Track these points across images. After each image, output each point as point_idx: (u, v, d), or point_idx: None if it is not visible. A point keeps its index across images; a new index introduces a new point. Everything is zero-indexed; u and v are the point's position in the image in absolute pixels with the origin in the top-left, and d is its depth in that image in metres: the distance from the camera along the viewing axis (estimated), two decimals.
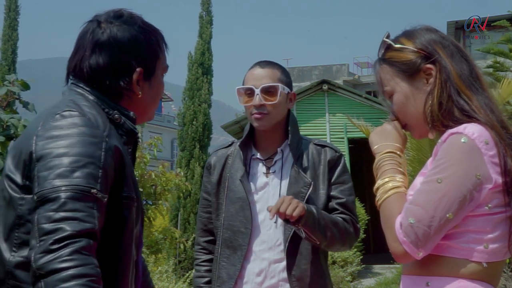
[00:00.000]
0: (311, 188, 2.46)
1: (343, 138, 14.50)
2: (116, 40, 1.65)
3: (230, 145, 2.63)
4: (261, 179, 2.51)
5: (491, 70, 9.40)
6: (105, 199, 1.45)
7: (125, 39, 1.66)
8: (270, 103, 2.45)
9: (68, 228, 1.34)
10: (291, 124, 2.54)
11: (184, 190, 8.38)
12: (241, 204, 2.47)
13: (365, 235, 12.00)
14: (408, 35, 1.75)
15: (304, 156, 2.51)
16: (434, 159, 1.60)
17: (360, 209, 12.01)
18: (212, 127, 14.79)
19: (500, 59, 9.46)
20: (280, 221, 2.43)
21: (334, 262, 10.53)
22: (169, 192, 7.59)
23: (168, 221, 12.86)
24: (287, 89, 2.51)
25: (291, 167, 2.49)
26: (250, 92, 2.48)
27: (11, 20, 22.00)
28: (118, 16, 1.70)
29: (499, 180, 1.55)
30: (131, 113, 1.67)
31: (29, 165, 1.48)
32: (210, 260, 2.58)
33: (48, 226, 1.35)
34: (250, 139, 2.57)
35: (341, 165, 2.56)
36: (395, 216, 1.60)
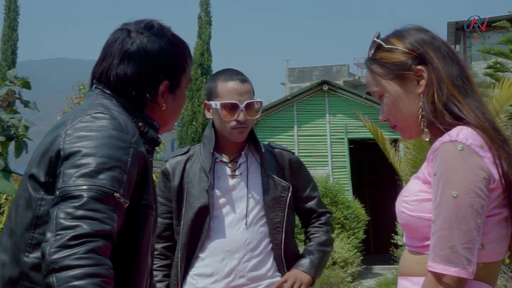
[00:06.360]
0: (290, 192, 2.57)
1: (343, 138, 14.48)
2: (146, 51, 1.65)
3: (186, 152, 2.65)
4: (227, 181, 2.55)
5: (491, 70, 9.40)
6: (126, 204, 1.45)
7: (154, 51, 1.66)
8: (252, 118, 2.55)
9: (87, 226, 1.34)
10: (252, 129, 2.63)
11: None
12: (200, 209, 2.50)
13: (365, 236, 11.96)
14: (398, 35, 1.73)
15: (270, 160, 2.61)
16: (431, 169, 1.58)
17: (360, 209, 11.98)
18: None
19: (500, 59, 9.46)
20: (249, 221, 2.51)
21: (334, 263, 10.51)
22: None
23: None
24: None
25: (260, 171, 2.57)
26: (233, 107, 2.51)
27: (10, 20, 22.09)
28: (149, 27, 1.69)
29: (498, 181, 1.55)
30: (155, 122, 1.67)
31: (56, 162, 1.47)
32: (167, 266, 2.61)
33: (67, 221, 1.34)
34: (212, 144, 2.59)
35: (302, 165, 2.73)
36: None
